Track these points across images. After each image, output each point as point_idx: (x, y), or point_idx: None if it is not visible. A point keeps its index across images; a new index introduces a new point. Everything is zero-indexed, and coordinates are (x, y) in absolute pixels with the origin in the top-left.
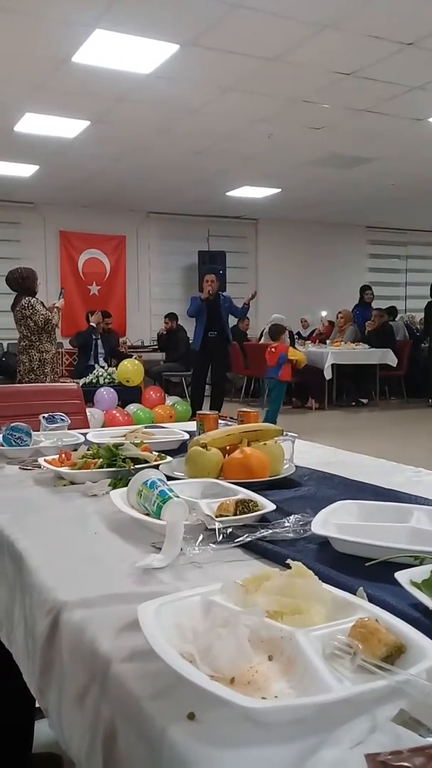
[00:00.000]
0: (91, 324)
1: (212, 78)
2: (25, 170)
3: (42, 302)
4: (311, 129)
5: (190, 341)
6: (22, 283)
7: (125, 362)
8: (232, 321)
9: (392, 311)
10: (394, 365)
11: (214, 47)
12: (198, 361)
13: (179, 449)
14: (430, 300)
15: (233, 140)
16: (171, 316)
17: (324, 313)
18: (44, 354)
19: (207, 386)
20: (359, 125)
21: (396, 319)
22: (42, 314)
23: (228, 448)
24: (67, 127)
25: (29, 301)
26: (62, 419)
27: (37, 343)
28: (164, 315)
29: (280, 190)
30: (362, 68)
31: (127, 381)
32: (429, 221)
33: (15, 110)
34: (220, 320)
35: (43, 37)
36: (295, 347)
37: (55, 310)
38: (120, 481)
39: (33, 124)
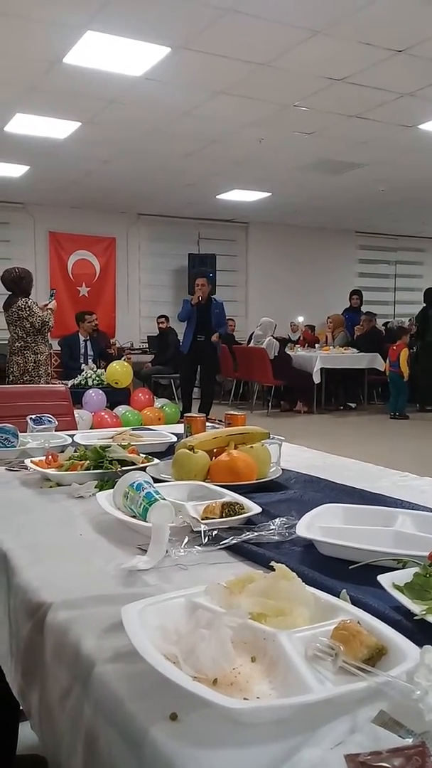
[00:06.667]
0: (79, 333)
1: (203, 81)
2: (15, 170)
3: (36, 303)
4: (302, 134)
5: (181, 344)
6: (19, 283)
7: (114, 364)
8: None
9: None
10: (382, 369)
11: (205, 51)
12: (186, 365)
13: (167, 451)
14: (424, 306)
15: (224, 144)
16: (166, 317)
17: (300, 319)
18: (39, 355)
19: (196, 389)
20: (349, 131)
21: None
22: (39, 316)
23: (215, 450)
24: (58, 128)
25: (26, 302)
26: (49, 420)
27: (33, 344)
28: (157, 316)
29: (270, 194)
30: (353, 74)
31: (116, 383)
32: (418, 227)
33: (5, 110)
34: (210, 324)
35: (34, 39)
36: (285, 351)
37: (49, 311)
38: (106, 483)
39: (24, 124)
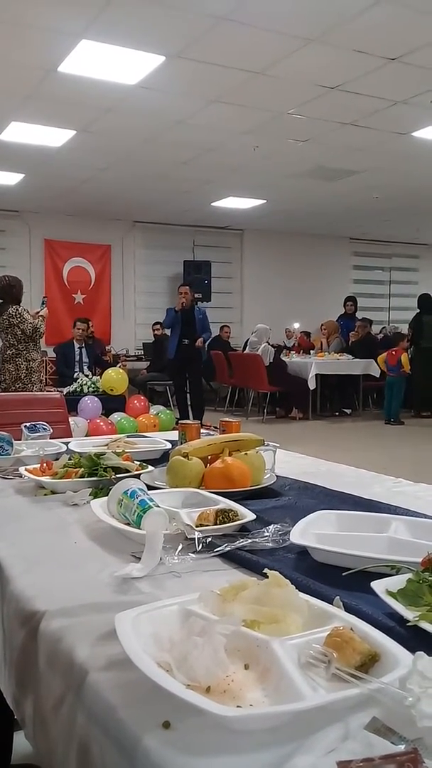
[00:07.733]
0: (74, 340)
1: (198, 90)
2: (10, 178)
3: (27, 310)
4: (296, 141)
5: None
6: (9, 291)
7: (109, 371)
8: (215, 331)
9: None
10: (377, 375)
11: (200, 59)
12: (173, 370)
13: (161, 459)
14: (418, 312)
15: (219, 151)
16: (161, 324)
17: (296, 325)
18: (31, 363)
19: (188, 395)
20: (344, 138)
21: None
22: (30, 323)
23: (209, 457)
24: (53, 137)
25: (17, 310)
26: (44, 428)
27: (24, 351)
28: (153, 323)
29: (265, 201)
30: (347, 82)
31: (111, 390)
32: (412, 233)
33: (0, 119)
34: (194, 330)
35: (30, 47)
36: (281, 357)
37: (40, 318)
38: (101, 490)
39: (19, 132)
